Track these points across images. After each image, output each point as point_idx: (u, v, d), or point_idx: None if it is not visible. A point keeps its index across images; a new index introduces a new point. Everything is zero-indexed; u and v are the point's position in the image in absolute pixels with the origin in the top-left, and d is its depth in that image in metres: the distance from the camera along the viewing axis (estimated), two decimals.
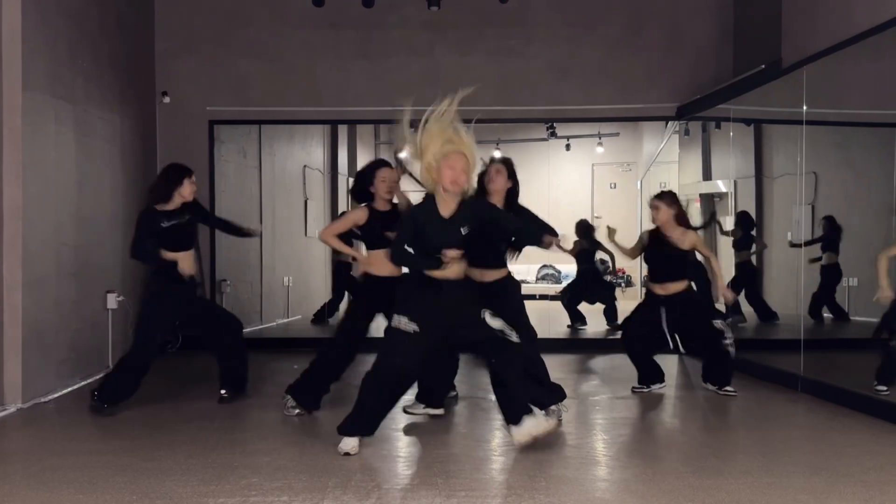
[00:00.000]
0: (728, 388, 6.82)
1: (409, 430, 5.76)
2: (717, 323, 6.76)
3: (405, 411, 6.06)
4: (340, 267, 11.10)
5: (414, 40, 9.55)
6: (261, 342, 9.72)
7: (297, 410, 6.04)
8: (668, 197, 6.73)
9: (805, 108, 6.85)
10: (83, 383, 7.31)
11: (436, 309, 4.86)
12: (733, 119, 8.49)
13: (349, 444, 4.99)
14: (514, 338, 4.97)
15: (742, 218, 8.81)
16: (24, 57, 6.47)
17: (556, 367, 8.21)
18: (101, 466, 4.74)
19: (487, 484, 4.48)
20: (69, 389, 7.04)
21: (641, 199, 13.83)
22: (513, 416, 4.97)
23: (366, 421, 5.04)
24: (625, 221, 15.06)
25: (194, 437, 5.45)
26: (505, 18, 9.41)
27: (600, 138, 15.03)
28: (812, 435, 5.51)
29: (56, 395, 6.81)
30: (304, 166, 12.02)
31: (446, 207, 4.91)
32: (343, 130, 13.50)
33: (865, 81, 6.75)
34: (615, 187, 15.88)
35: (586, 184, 15.79)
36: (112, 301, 7.97)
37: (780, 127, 8.05)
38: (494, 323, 4.95)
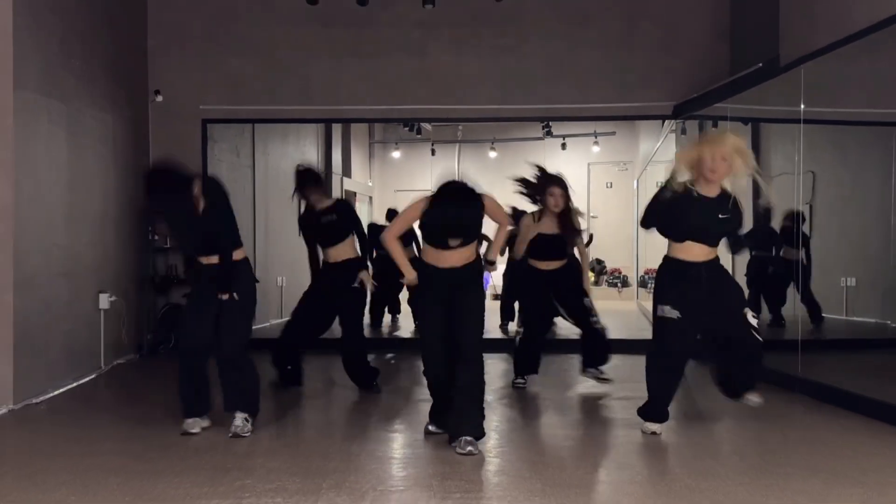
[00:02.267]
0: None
1: (403, 431, 5.73)
2: (586, 301, 7.17)
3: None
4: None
5: (408, 39, 9.49)
6: (254, 343, 9.63)
7: None
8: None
9: (803, 106, 6.81)
10: (75, 384, 7.27)
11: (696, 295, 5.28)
12: (731, 118, 8.40)
13: (653, 426, 5.48)
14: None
15: None
16: (15, 56, 6.43)
17: (550, 367, 8.17)
18: (94, 468, 4.71)
19: (483, 485, 4.45)
20: (61, 390, 7.00)
21: (638, 199, 13.84)
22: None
23: (659, 408, 5.50)
24: (621, 221, 15.11)
25: (187, 438, 5.40)
26: (500, 17, 9.36)
27: (596, 137, 15.06)
28: (809, 436, 5.48)
29: (48, 396, 6.76)
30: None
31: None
32: (337, 129, 13.51)
33: (863, 80, 6.72)
34: (611, 187, 15.90)
35: (582, 183, 15.81)
36: (104, 301, 7.92)
37: (778, 126, 8.03)
38: (753, 321, 5.32)
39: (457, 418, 5.11)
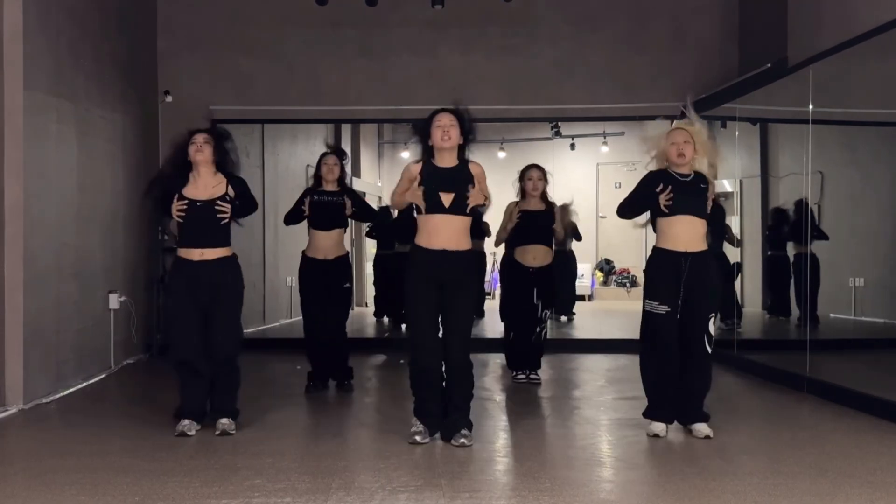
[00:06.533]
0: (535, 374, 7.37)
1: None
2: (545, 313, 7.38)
3: None
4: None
5: (417, 39, 9.53)
6: (263, 342, 9.72)
7: None
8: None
9: (811, 107, 6.83)
10: (85, 384, 7.30)
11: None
12: (739, 118, 8.45)
13: (658, 427, 5.41)
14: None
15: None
16: (25, 56, 6.45)
17: (559, 367, 8.19)
18: (103, 468, 4.73)
19: (492, 485, 4.47)
20: (71, 390, 7.02)
21: None
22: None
23: (661, 406, 5.45)
24: (629, 221, 15.11)
25: (196, 438, 5.43)
26: (508, 17, 9.37)
27: (605, 137, 15.02)
28: (818, 436, 5.49)
29: (57, 396, 6.78)
30: (308, 165, 11.97)
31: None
32: (346, 130, 13.52)
33: (872, 80, 6.72)
34: (620, 187, 15.84)
35: (591, 183, 15.79)
36: (114, 301, 7.95)
37: (786, 126, 8.05)
38: (711, 329, 5.43)
39: (452, 416, 5.23)
